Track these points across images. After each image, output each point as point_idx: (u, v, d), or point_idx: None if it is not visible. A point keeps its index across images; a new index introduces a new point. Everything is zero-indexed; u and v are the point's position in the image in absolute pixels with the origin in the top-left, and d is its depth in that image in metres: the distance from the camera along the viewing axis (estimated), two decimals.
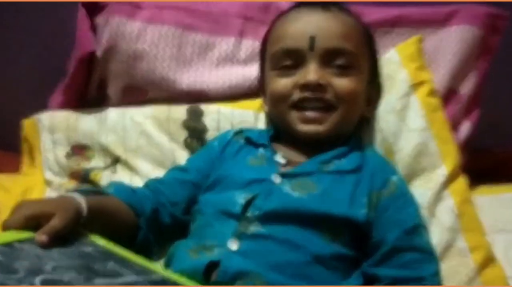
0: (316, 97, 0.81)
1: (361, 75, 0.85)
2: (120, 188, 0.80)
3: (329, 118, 0.82)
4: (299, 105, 0.83)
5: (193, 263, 0.70)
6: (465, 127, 1.04)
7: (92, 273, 0.56)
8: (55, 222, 0.59)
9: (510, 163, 1.21)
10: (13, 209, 0.62)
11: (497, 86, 1.12)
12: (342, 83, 0.82)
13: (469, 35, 1.03)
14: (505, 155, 1.23)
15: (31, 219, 0.60)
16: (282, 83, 0.84)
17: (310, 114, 0.82)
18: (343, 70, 0.83)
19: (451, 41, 1.03)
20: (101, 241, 0.64)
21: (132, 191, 0.80)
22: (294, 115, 0.83)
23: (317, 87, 0.81)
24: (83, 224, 0.65)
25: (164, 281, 0.61)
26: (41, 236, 0.57)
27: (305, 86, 0.81)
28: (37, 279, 0.52)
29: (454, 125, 1.02)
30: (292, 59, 0.84)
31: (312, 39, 0.82)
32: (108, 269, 0.58)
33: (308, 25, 0.84)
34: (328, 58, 0.83)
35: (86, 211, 0.65)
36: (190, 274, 0.67)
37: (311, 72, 0.81)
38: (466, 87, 1.04)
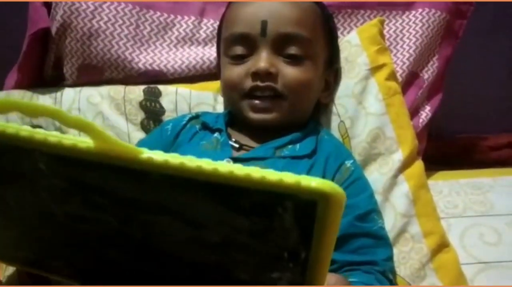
0: (266, 86, 0.79)
1: (316, 63, 0.83)
2: None
3: (279, 107, 0.80)
4: (250, 94, 0.81)
5: None
6: (427, 112, 1.03)
7: None
8: None
9: (472, 149, 1.21)
10: None
11: (460, 72, 1.12)
12: (293, 73, 0.80)
13: (433, 19, 1.02)
14: (467, 141, 1.24)
15: None
16: (234, 71, 0.82)
17: (259, 103, 0.80)
18: (296, 58, 0.81)
19: (415, 24, 1.02)
20: None
21: None
22: (245, 104, 0.81)
23: (267, 75, 0.79)
24: None
25: None
26: None
27: (255, 74, 0.79)
28: None
29: (415, 110, 1.02)
30: (244, 45, 0.82)
31: (264, 24, 0.79)
32: None
33: (260, 9, 0.81)
34: (281, 44, 0.80)
35: None
36: None
37: (262, 60, 0.79)
38: (429, 72, 1.03)
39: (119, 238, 0.47)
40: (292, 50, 0.81)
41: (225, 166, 0.39)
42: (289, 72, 0.80)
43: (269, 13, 0.80)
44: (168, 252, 0.46)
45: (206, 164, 0.39)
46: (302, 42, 0.81)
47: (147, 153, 0.40)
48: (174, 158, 0.40)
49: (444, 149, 1.20)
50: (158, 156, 0.40)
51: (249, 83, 0.80)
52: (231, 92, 0.84)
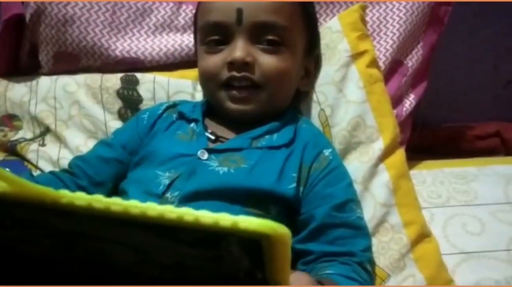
0: (242, 76, 0.77)
1: (294, 51, 0.81)
2: None
3: (257, 97, 0.78)
4: (227, 84, 0.79)
5: None
6: (411, 100, 1.01)
7: None
8: None
9: (458, 139, 1.20)
10: None
11: (446, 59, 1.10)
12: (270, 62, 0.78)
13: (417, 5, 1.01)
14: (453, 130, 1.22)
15: None
16: (211, 61, 0.80)
17: (237, 93, 0.78)
18: (273, 47, 0.78)
19: (399, 11, 1.00)
20: None
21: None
22: (223, 94, 0.79)
23: (244, 65, 0.77)
24: None
25: None
26: None
27: (231, 64, 0.77)
28: None
29: (399, 98, 1.00)
30: (220, 34, 0.79)
31: (239, 12, 0.77)
32: None
33: None
34: (257, 33, 0.78)
35: None
36: None
37: (238, 49, 0.77)
38: (413, 59, 1.01)
39: (68, 260, 0.45)
40: (270, 37, 0.78)
41: (155, 209, 0.36)
42: (266, 61, 0.78)
43: (244, 1, 0.78)
44: (122, 270, 0.44)
45: (134, 207, 0.36)
46: (279, 30, 0.79)
47: (67, 197, 0.38)
48: (97, 202, 0.37)
49: (430, 138, 1.19)
50: (80, 200, 0.37)
51: (225, 73, 0.78)
52: (208, 82, 0.82)
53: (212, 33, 0.80)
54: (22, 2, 0.97)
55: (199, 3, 0.87)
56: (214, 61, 0.80)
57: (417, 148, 1.06)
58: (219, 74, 0.79)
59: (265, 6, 0.78)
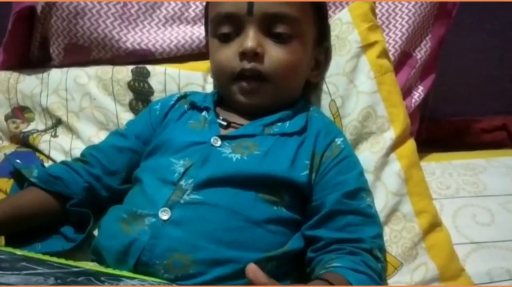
0: (251, 69, 0.78)
1: (304, 42, 0.82)
2: (42, 176, 0.78)
3: (265, 89, 0.79)
4: (238, 77, 0.79)
5: (124, 242, 0.68)
6: (419, 92, 1.02)
7: None
8: None
9: (465, 131, 1.21)
10: None
11: (453, 52, 1.10)
12: (280, 54, 0.79)
13: None
14: (460, 123, 1.23)
15: None
16: (223, 54, 0.81)
17: (246, 85, 0.79)
18: (284, 39, 0.79)
19: (408, 3, 1.01)
20: (19, 252, 0.64)
21: (55, 177, 0.78)
22: (234, 87, 0.80)
23: (254, 55, 0.77)
24: None
25: (84, 272, 0.60)
26: None
27: (242, 54, 0.78)
28: None
29: (408, 90, 1.01)
30: (231, 25, 0.80)
31: (251, 4, 0.78)
32: (17, 266, 0.57)
33: None
34: (268, 24, 0.79)
35: None
36: (121, 255, 0.67)
37: (249, 40, 0.77)
38: (422, 51, 1.02)
39: None
40: (280, 29, 0.79)
41: None
42: (276, 52, 0.79)
43: None
44: None
45: None
46: (289, 22, 0.79)
47: None
48: None
49: (437, 131, 1.19)
50: None
51: (237, 65, 0.79)
52: (220, 75, 0.83)
53: (223, 24, 0.81)
54: None
55: None
56: (226, 53, 0.80)
57: (424, 140, 1.06)
58: (231, 66, 0.79)
59: None
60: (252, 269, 0.56)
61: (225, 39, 0.81)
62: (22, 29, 1.00)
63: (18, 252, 0.65)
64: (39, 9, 0.96)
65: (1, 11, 1.08)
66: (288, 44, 0.79)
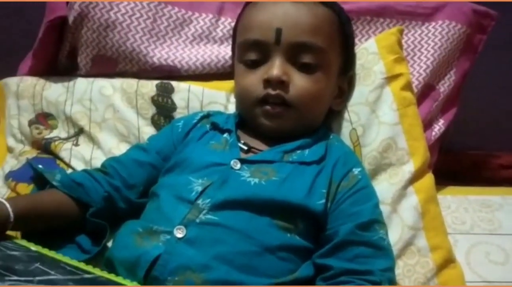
0: (276, 95, 0.79)
1: (329, 72, 0.83)
2: (65, 181, 0.80)
3: (288, 115, 0.80)
4: (262, 101, 0.80)
5: (136, 253, 0.69)
6: (440, 125, 1.02)
7: (8, 272, 0.56)
8: None
9: (482, 166, 1.20)
10: None
11: (475, 86, 1.10)
12: (304, 84, 0.80)
13: (453, 32, 1.02)
14: (478, 157, 1.22)
15: None
16: (248, 79, 0.82)
17: (270, 109, 0.80)
18: (309, 68, 0.80)
19: (434, 36, 1.01)
20: (34, 247, 0.66)
21: (78, 184, 0.79)
22: (257, 111, 0.81)
23: (279, 83, 0.79)
24: (15, 227, 0.70)
25: (95, 279, 0.61)
26: None
27: (267, 81, 0.79)
28: None
29: (429, 122, 1.01)
30: (258, 52, 0.81)
31: (278, 32, 0.79)
32: (30, 269, 0.59)
33: (275, 17, 0.80)
34: (295, 53, 0.80)
35: (13, 217, 0.69)
36: (131, 266, 0.68)
37: (275, 68, 0.79)
38: (445, 85, 1.02)
39: None
40: (306, 59, 0.80)
41: None
42: (301, 82, 0.80)
43: (284, 21, 0.79)
44: None
45: None
46: (316, 51, 0.80)
47: None
48: None
49: (454, 164, 1.19)
50: None
51: (261, 91, 0.80)
52: (244, 99, 0.84)
53: (251, 51, 0.82)
54: (67, 3, 0.99)
55: (239, 19, 0.89)
56: (251, 79, 0.81)
57: (440, 172, 1.06)
58: (256, 92, 0.81)
59: (304, 26, 0.80)
60: None
61: (252, 65, 0.82)
62: (52, 37, 1.02)
63: (33, 247, 0.66)
64: (71, 19, 0.98)
65: (31, 18, 1.11)
66: (313, 74, 0.80)
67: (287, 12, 0.80)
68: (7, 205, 0.69)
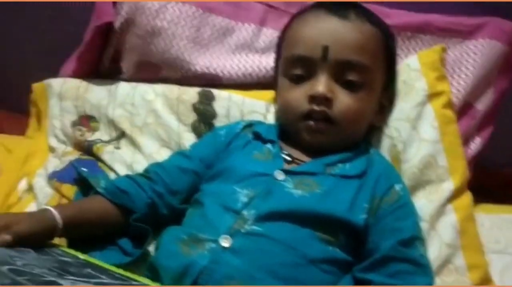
0: (320, 111, 0.80)
1: (373, 90, 0.84)
2: (110, 187, 0.81)
3: (332, 130, 0.81)
4: (305, 117, 0.82)
5: (183, 262, 0.70)
6: (476, 143, 1.02)
7: (65, 273, 0.58)
8: (19, 227, 0.66)
9: None
10: None
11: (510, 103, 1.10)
12: (349, 101, 0.81)
13: (493, 51, 1.01)
14: (510, 175, 1.21)
15: (2, 228, 0.64)
16: (292, 94, 0.83)
17: (314, 125, 0.81)
18: (354, 86, 0.81)
19: (475, 54, 1.01)
20: (81, 255, 0.68)
21: (122, 191, 0.81)
22: (300, 125, 0.82)
23: (324, 100, 0.80)
24: (62, 234, 0.73)
25: None
26: (4, 236, 0.62)
27: (312, 98, 0.80)
28: (5, 268, 0.54)
29: (465, 140, 1.00)
30: (303, 67, 0.82)
31: (325, 50, 0.80)
32: (84, 273, 0.61)
33: (323, 33, 0.81)
34: (340, 70, 0.81)
35: (61, 224, 0.71)
36: (178, 275, 0.69)
37: (320, 85, 0.80)
38: (483, 103, 1.02)
39: None
40: (351, 76, 0.81)
41: None
42: (345, 99, 0.81)
43: (331, 38, 0.80)
44: None
45: None
46: (361, 70, 0.81)
47: None
48: None
49: (487, 181, 1.18)
50: None
51: (305, 106, 0.81)
52: (287, 113, 0.85)
53: (296, 66, 0.83)
54: (114, 7, 1.01)
55: (285, 30, 0.90)
56: (295, 94, 0.83)
57: (473, 189, 1.05)
58: (300, 107, 0.82)
59: (350, 44, 0.81)
60: None
61: (296, 79, 0.83)
62: (98, 41, 1.05)
63: (80, 256, 0.68)
64: (117, 25, 1.00)
65: (74, 19, 1.13)
66: (357, 92, 0.81)
67: (334, 29, 0.81)
68: (56, 213, 0.72)
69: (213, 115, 0.98)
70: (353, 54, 0.81)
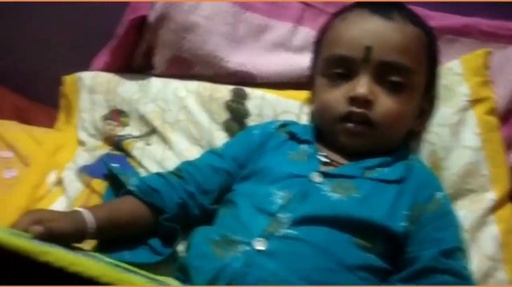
0: (360, 113, 0.77)
1: (414, 93, 0.81)
2: (141, 186, 0.79)
3: (371, 133, 0.78)
4: (344, 119, 0.79)
5: (216, 265, 0.68)
6: None
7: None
8: (53, 223, 0.63)
9: None
10: (21, 215, 0.65)
11: None
12: (390, 104, 0.78)
13: None
14: None
15: (36, 222, 0.62)
16: (331, 95, 0.80)
17: (353, 127, 0.78)
18: (395, 89, 0.78)
19: None
20: (107, 259, 0.66)
21: (153, 189, 0.79)
22: (338, 127, 0.80)
23: (365, 102, 0.77)
24: (94, 237, 0.72)
25: None
26: (37, 227, 0.60)
27: (353, 99, 0.78)
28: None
29: (507, 148, 0.97)
30: (343, 68, 0.80)
31: (368, 50, 0.77)
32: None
33: (366, 34, 0.78)
34: (382, 72, 0.78)
35: (94, 228, 0.70)
36: (212, 278, 0.67)
37: (361, 86, 0.77)
38: None
39: None
40: (393, 78, 0.78)
41: None
42: (386, 102, 0.78)
43: (374, 39, 0.78)
44: None
45: None
46: (403, 72, 0.79)
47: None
48: None
49: None
50: None
51: (344, 108, 0.79)
52: (325, 114, 0.82)
53: (336, 66, 0.81)
54: (151, 3, 0.99)
55: (324, 29, 0.88)
56: (334, 95, 0.80)
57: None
58: (339, 108, 0.79)
59: (393, 45, 0.78)
60: None
61: (336, 80, 0.81)
62: (131, 35, 1.03)
63: (106, 259, 0.66)
64: (151, 19, 0.99)
65: (106, 15, 1.12)
66: (399, 95, 0.79)
67: (377, 29, 0.79)
68: (90, 215, 0.70)
69: (246, 114, 0.97)
70: (396, 55, 0.78)
